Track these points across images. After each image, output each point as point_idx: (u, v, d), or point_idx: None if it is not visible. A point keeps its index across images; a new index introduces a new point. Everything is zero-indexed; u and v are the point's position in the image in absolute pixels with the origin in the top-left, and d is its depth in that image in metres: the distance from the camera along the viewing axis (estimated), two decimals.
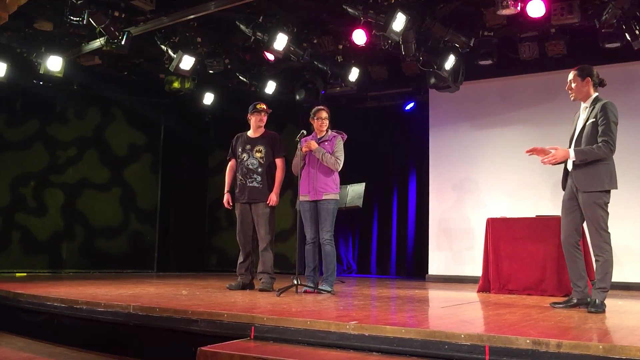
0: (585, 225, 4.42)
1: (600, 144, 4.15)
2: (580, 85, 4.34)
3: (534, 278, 6.04)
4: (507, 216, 6.68)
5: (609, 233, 4.20)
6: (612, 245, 4.22)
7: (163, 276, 8.65)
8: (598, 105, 4.24)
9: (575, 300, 4.42)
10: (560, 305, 4.46)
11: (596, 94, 4.36)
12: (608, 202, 4.23)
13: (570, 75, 4.40)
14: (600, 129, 4.17)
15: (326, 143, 5.57)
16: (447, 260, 8.60)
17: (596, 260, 4.23)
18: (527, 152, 4.40)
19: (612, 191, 7.89)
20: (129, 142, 10.06)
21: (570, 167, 4.35)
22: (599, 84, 4.37)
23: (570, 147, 4.38)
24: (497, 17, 6.76)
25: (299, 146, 5.54)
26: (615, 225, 7.34)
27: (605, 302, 4.22)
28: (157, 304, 4.06)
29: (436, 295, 6.03)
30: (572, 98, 4.44)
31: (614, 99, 8.27)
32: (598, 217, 4.17)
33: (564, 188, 4.48)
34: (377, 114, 10.14)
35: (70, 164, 9.52)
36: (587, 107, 4.34)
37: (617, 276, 7.17)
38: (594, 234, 4.19)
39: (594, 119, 4.21)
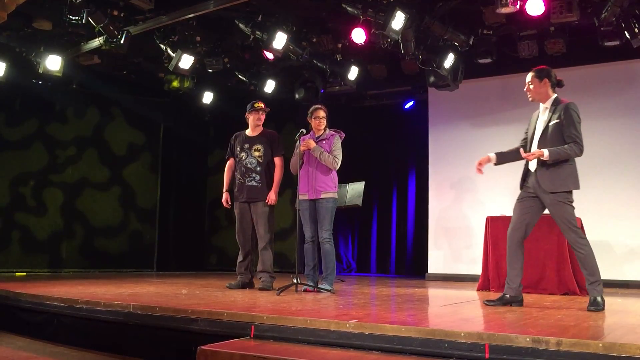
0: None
1: (571, 144, 4.20)
2: (538, 86, 4.40)
3: (533, 276, 6.04)
4: (507, 215, 6.67)
5: (579, 228, 4.25)
6: (612, 243, 4.23)
7: (163, 275, 8.65)
8: (561, 107, 4.29)
9: (508, 297, 4.43)
10: (493, 303, 4.43)
11: (555, 95, 4.41)
12: (573, 201, 4.28)
13: (528, 77, 4.46)
14: (566, 130, 4.22)
15: (324, 142, 5.57)
16: (446, 258, 8.60)
17: (578, 257, 4.25)
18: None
19: (613, 190, 7.93)
20: (128, 142, 10.06)
21: (533, 167, 4.37)
22: (557, 84, 4.43)
23: (530, 147, 4.40)
24: (497, 15, 6.76)
25: (297, 145, 5.54)
26: (615, 224, 7.42)
27: (603, 297, 4.22)
28: (157, 303, 4.06)
29: (436, 294, 6.04)
30: (530, 99, 4.49)
31: (614, 97, 8.32)
32: (567, 214, 4.22)
33: (522, 188, 4.48)
34: (377, 113, 10.13)
35: (69, 164, 9.51)
36: (547, 108, 4.39)
37: (617, 274, 7.24)
38: (568, 232, 4.24)
39: (558, 120, 4.27)
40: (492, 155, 4.61)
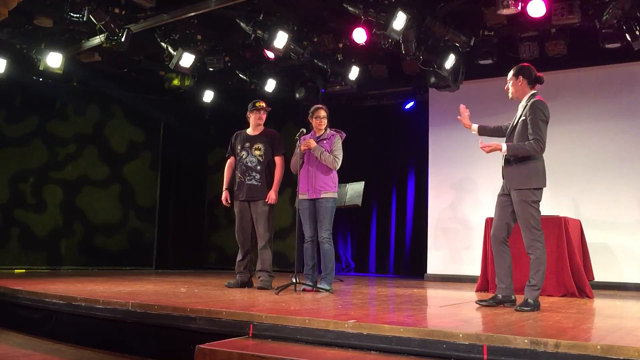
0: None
1: (531, 141, 4.23)
2: (515, 84, 4.47)
3: None
4: None
5: (540, 231, 4.25)
6: (612, 245, 4.23)
7: (162, 273, 8.66)
8: (529, 104, 4.34)
9: (500, 297, 4.45)
10: (486, 303, 4.45)
11: (533, 91, 4.46)
12: (539, 200, 4.30)
13: (508, 76, 4.53)
14: (529, 127, 4.26)
15: (325, 142, 5.57)
16: (445, 259, 8.60)
17: (530, 258, 4.27)
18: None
19: (613, 192, 7.90)
20: (129, 139, 10.05)
21: (502, 163, 4.45)
22: (536, 81, 4.47)
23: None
24: (498, 16, 6.76)
25: (297, 144, 5.54)
26: (615, 225, 7.41)
27: (539, 300, 4.25)
28: (156, 302, 4.06)
29: (434, 295, 6.04)
30: (510, 97, 4.55)
31: (615, 99, 8.31)
32: (527, 215, 4.24)
33: (503, 177, 4.56)
34: (377, 113, 10.13)
35: (69, 161, 9.51)
36: (523, 106, 4.44)
37: (616, 277, 7.25)
38: (525, 232, 4.27)
39: (524, 117, 4.32)
40: (475, 126, 4.72)
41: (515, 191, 4.28)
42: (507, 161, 4.35)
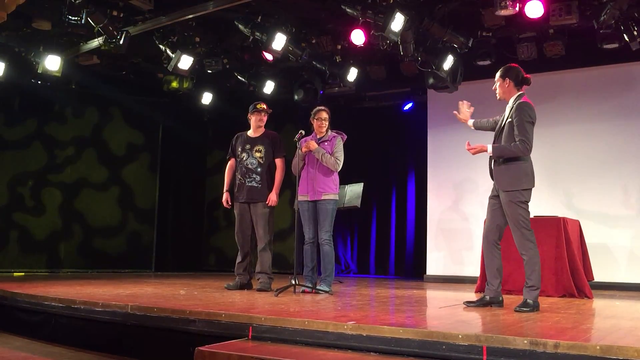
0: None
1: (517, 143, 4.22)
2: (502, 85, 4.49)
3: None
4: None
5: (530, 230, 4.25)
6: (610, 246, 4.22)
7: (161, 276, 8.65)
8: (515, 105, 4.34)
9: (488, 298, 4.46)
10: (474, 304, 4.46)
11: (519, 92, 4.45)
12: (528, 201, 4.29)
13: (496, 76, 4.54)
14: (515, 128, 4.25)
15: (326, 143, 5.57)
16: (445, 260, 8.61)
17: (523, 259, 4.27)
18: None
19: (611, 192, 7.91)
20: (127, 142, 10.05)
21: (492, 164, 4.45)
22: (523, 82, 4.45)
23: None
24: (496, 17, 6.77)
25: (298, 146, 5.54)
26: (613, 226, 7.42)
27: (538, 300, 4.23)
28: (155, 304, 4.06)
29: (434, 296, 6.04)
30: (497, 98, 4.56)
31: (612, 100, 8.32)
32: (517, 215, 4.24)
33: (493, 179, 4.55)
34: (376, 114, 10.13)
35: (68, 164, 9.51)
36: (510, 107, 4.44)
37: (615, 277, 7.25)
38: (516, 232, 4.26)
39: (511, 119, 4.32)
40: (471, 121, 4.83)
41: (504, 192, 4.29)
42: (496, 162, 4.35)
